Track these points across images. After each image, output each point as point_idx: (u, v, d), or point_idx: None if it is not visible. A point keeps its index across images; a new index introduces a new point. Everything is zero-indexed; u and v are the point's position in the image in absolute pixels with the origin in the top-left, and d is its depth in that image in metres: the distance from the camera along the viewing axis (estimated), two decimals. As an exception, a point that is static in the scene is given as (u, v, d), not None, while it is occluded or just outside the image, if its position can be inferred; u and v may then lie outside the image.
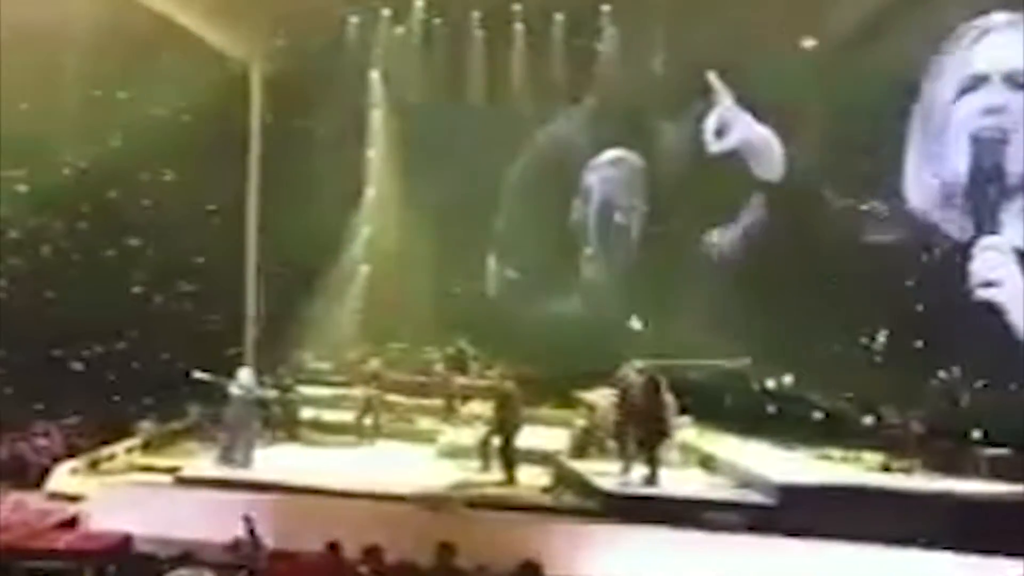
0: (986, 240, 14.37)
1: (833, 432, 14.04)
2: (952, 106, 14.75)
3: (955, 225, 14.72)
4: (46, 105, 15.44)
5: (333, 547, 8.66)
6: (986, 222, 14.40)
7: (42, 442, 13.86)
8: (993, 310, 14.14)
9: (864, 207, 15.60)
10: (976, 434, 13.01)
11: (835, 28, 15.35)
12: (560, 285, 18.57)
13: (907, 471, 12.59)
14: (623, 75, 17.61)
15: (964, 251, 14.55)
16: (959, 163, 14.69)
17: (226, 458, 13.53)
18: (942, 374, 14.17)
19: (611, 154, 18.62)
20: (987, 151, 14.42)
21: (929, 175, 15.01)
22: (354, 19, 18.32)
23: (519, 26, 17.80)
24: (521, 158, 18.73)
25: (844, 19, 15.13)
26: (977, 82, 14.51)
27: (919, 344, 14.80)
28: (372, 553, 8.44)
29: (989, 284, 14.25)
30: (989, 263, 14.30)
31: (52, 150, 15.99)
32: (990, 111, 14.42)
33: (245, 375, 13.89)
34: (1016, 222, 14.31)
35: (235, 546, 8.77)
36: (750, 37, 15.51)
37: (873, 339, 15.37)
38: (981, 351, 13.85)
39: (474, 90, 18.43)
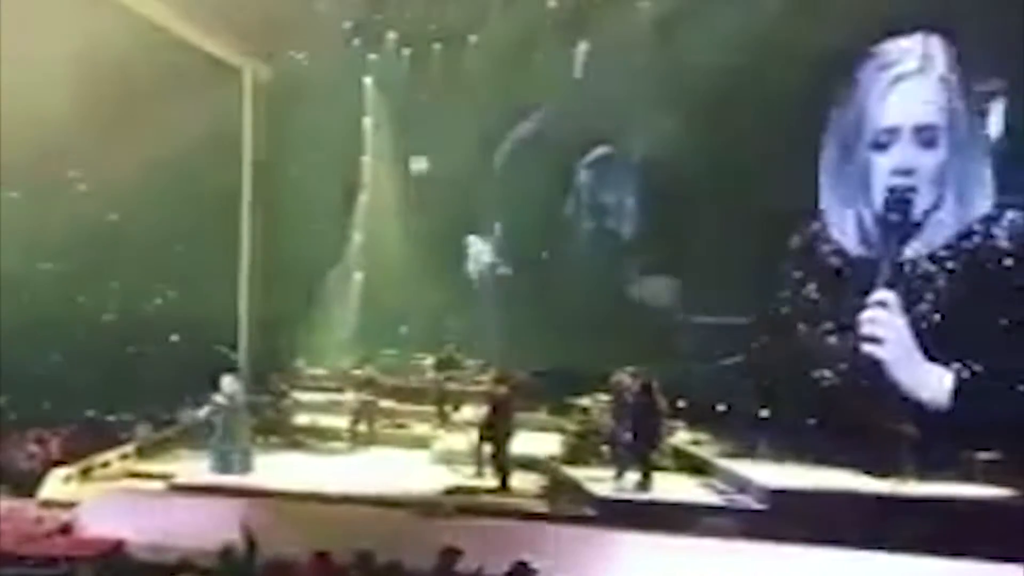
0: (878, 294, 14.42)
1: (825, 437, 14.03)
2: (870, 155, 14.92)
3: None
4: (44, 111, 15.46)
5: (321, 555, 8.67)
6: (883, 275, 14.44)
7: (35, 449, 13.81)
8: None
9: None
10: (970, 439, 12.99)
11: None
12: (560, 286, 18.59)
13: (900, 476, 12.59)
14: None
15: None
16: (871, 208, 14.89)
17: (219, 465, 13.53)
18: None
19: (599, 151, 18.59)
20: (897, 206, 14.53)
21: (844, 208, 15.21)
22: (348, 24, 18.35)
23: (514, 29, 17.84)
24: (514, 159, 18.75)
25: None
26: (889, 136, 14.68)
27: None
28: (364, 559, 8.45)
29: (874, 340, 14.36)
30: (877, 320, 14.38)
31: (47, 157, 15.98)
32: (902, 172, 14.55)
33: (229, 382, 13.88)
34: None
35: (227, 552, 8.75)
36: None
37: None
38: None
39: (469, 96, 18.43)
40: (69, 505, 12.27)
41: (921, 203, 14.38)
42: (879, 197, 14.76)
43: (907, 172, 14.50)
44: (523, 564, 8.00)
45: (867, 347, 14.38)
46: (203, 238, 17.05)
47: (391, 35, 18.54)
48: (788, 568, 10.82)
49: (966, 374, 13.57)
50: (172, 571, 9.41)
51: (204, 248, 17.11)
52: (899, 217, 14.50)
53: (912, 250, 14.41)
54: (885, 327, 14.28)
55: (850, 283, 14.92)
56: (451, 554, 8.57)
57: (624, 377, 13.50)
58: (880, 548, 10.74)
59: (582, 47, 17.83)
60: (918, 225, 14.39)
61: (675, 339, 16.73)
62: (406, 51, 18.71)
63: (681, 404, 14.40)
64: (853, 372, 14.54)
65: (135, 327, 15.80)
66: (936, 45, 14.19)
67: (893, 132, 14.62)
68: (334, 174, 18.80)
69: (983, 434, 12.81)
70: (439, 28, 18.26)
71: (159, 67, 15.96)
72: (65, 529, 11.64)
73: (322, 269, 18.70)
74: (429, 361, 17.75)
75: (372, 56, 18.91)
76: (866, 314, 14.41)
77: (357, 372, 16.81)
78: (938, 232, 14.25)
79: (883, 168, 14.73)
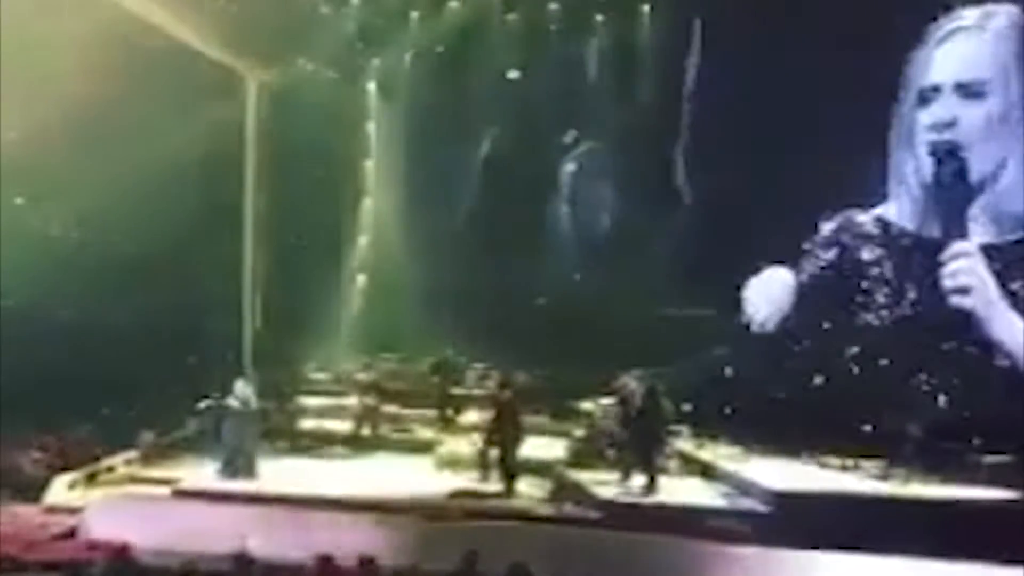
0: (955, 246, 14.24)
1: (832, 440, 14.01)
2: (914, 115, 14.73)
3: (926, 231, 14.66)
4: (44, 115, 15.48)
5: (325, 560, 8.66)
6: (953, 228, 14.25)
7: (40, 454, 13.81)
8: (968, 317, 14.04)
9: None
10: (975, 441, 12.97)
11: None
12: (559, 288, 18.60)
13: (905, 479, 12.57)
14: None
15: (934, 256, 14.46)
16: (924, 172, 14.68)
17: (226, 470, 13.53)
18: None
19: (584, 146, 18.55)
20: (945, 162, 14.34)
21: (896, 183, 14.96)
22: (351, 30, 18.38)
23: (514, 31, 17.87)
24: (517, 164, 18.77)
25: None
26: (932, 93, 14.46)
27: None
28: (367, 564, 8.44)
29: (961, 291, 14.16)
30: (959, 270, 14.21)
31: (48, 160, 15.99)
32: (943, 125, 14.35)
33: (241, 387, 13.90)
34: (979, 225, 14.16)
35: (237, 558, 8.74)
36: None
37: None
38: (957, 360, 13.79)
39: (473, 100, 18.46)
40: (74, 510, 12.27)
41: (975, 162, 13.96)
42: (925, 157, 14.48)
43: (950, 125, 14.20)
44: (520, 566, 7.98)
45: (955, 298, 14.17)
46: (208, 242, 17.04)
47: (395, 40, 18.56)
48: (794, 572, 10.81)
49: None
50: (179, 576, 9.41)
51: (209, 252, 17.11)
52: (950, 172, 14.12)
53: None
54: (969, 275, 14.08)
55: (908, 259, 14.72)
56: (472, 556, 8.57)
57: (628, 380, 13.48)
58: (883, 551, 10.72)
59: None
60: (978, 188, 14.01)
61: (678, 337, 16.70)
62: (409, 56, 18.72)
63: (686, 407, 14.38)
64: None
65: (139, 332, 15.77)
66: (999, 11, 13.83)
67: (936, 88, 14.35)
68: (338, 179, 18.80)
69: (989, 436, 12.79)
70: (442, 33, 18.29)
71: (164, 73, 15.97)
72: (70, 534, 11.64)
73: (326, 273, 18.70)
74: (433, 365, 17.74)
75: (375, 61, 18.93)
76: (949, 267, 14.23)
77: (361, 376, 16.81)
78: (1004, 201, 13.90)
79: (928, 122, 14.46)
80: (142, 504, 12.56)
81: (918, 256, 14.86)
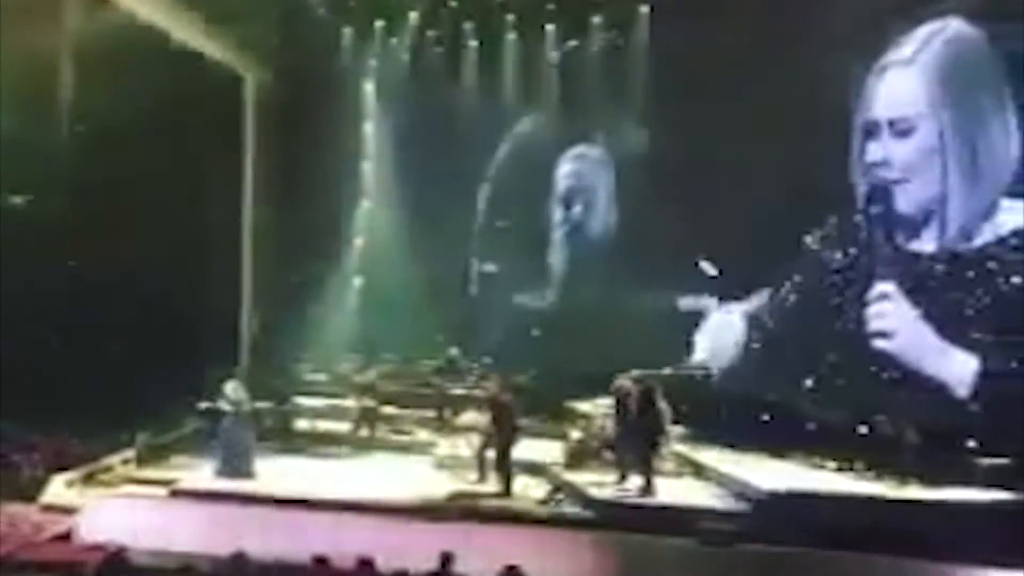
0: (878, 288, 14.42)
1: (827, 442, 14.01)
2: (860, 150, 14.95)
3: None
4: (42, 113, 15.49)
5: (321, 561, 8.66)
6: (878, 267, 14.46)
7: (37, 454, 13.79)
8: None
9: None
10: (972, 443, 12.97)
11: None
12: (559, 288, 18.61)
13: (901, 480, 12.57)
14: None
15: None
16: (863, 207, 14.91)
17: (224, 470, 13.52)
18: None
19: (578, 149, 18.52)
20: (877, 201, 14.57)
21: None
22: (348, 30, 18.39)
23: (512, 36, 17.88)
24: (513, 165, 18.76)
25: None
26: (873, 128, 14.68)
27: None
28: (364, 565, 8.43)
29: (883, 335, 14.33)
30: (883, 313, 14.36)
31: (48, 158, 15.99)
32: (879, 164, 14.57)
33: (231, 388, 13.89)
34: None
35: (235, 559, 8.73)
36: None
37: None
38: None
39: (469, 100, 18.46)
40: (71, 511, 12.27)
41: (911, 196, 14.21)
42: (863, 189, 14.76)
43: (884, 163, 14.44)
44: (513, 568, 7.98)
45: (878, 342, 14.30)
46: (205, 243, 17.04)
47: (392, 40, 18.57)
48: (789, 573, 10.82)
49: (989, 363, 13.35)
50: (175, 576, 9.40)
51: (206, 253, 17.11)
52: (879, 209, 14.39)
53: (917, 244, 14.24)
54: (892, 319, 14.19)
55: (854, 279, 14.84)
56: (446, 560, 8.57)
57: (625, 382, 13.48)
58: (881, 553, 10.74)
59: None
60: (918, 219, 14.21)
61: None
62: (406, 56, 18.73)
63: (682, 408, 14.36)
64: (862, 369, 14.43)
65: (136, 332, 15.75)
66: (942, 31, 13.92)
67: (875, 125, 14.59)
68: (335, 179, 18.80)
69: (988, 438, 12.80)
70: (438, 33, 18.31)
71: (162, 73, 15.97)
72: (67, 534, 11.63)
73: (324, 274, 18.69)
74: (430, 367, 17.73)
75: (373, 62, 18.94)
76: (872, 309, 14.34)
77: (358, 378, 16.79)
78: (944, 227, 13.99)
79: (867, 158, 14.71)
80: (139, 504, 12.55)
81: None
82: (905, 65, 14.31)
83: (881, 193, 14.49)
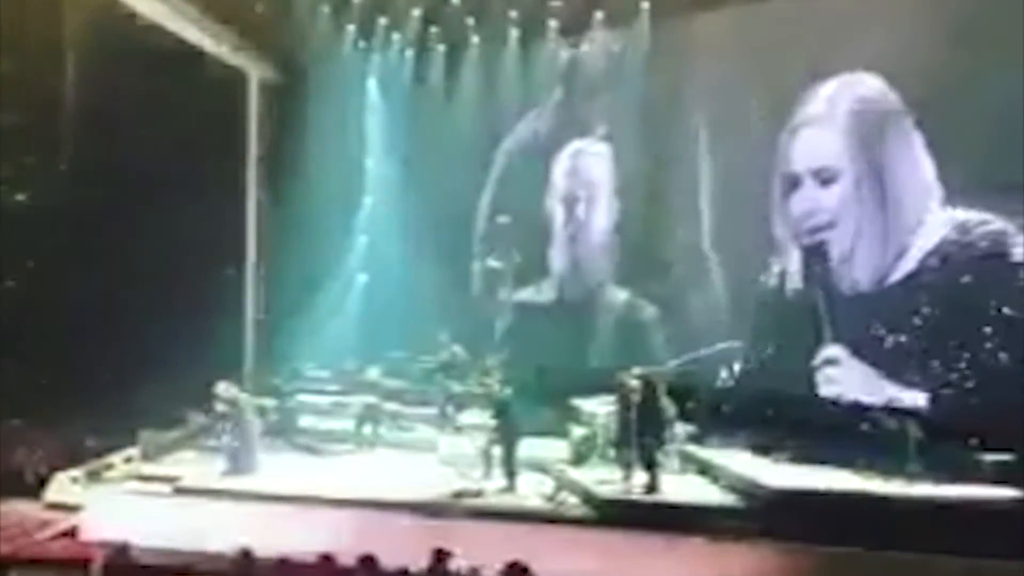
0: (825, 351, 14.58)
1: (832, 438, 13.97)
2: (781, 205, 15.20)
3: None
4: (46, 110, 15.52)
5: (326, 558, 8.65)
6: (824, 329, 14.60)
7: (40, 452, 13.81)
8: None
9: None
10: (976, 440, 12.93)
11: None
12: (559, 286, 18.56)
13: (907, 477, 12.54)
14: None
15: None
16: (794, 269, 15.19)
17: (227, 468, 13.54)
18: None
19: (575, 145, 18.49)
20: (813, 257, 14.83)
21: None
22: (351, 27, 18.36)
23: (514, 32, 17.83)
24: (516, 160, 18.72)
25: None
26: (794, 181, 14.97)
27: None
28: (367, 563, 8.42)
29: (835, 393, 14.55)
30: (830, 376, 14.56)
31: (52, 155, 16.00)
32: (807, 213, 14.81)
33: (223, 388, 13.89)
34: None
35: (238, 556, 8.73)
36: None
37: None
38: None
39: (473, 96, 18.42)
40: (74, 508, 12.28)
41: (841, 239, 14.51)
42: (797, 249, 15.11)
43: (811, 213, 14.79)
44: (517, 564, 7.98)
45: (829, 398, 14.61)
46: (208, 240, 17.04)
47: (395, 37, 18.55)
48: (794, 569, 10.81)
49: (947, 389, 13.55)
50: (178, 574, 9.39)
51: (210, 249, 17.11)
52: (820, 263, 14.72)
53: (852, 285, 14.48)
54: (841, 383, 14.46)
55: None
56: (441, 556, 8.56)
57: (629, 379, 13.46)
58: (886, 550, 10.72)
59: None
60: (850, 261, 14.47)
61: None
62: (409, 52, 18.71)
63: (686, 405, 14.33)
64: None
65: (140, 329, 15.76)
66: (850, 85, 14.40)
67: (797, 176, 14.96)
68: (338, 176, 18.78)
69: (991, 435, 12.76)
70: (442, 30, 18.27)
71: (165, 71, 15.98)
72: (71, 532, 11.64)
73: (326, 271, 18.67)
74: (433, 363, 17.71)
75: (376, 58, 18.92)
76: (821, 372, 14.62)
77: (362, 374, 16.77)
78: (869, 267, 14.29)
79: (794, 212, 15.05)
80: (143, 502, 12.56)
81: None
82: (819, 121, 14.77)
83: (815, 246, 14.82)
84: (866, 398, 14.16)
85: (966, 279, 13.35)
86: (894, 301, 14.03)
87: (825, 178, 14.64)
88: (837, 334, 14.49)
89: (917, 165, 13.78)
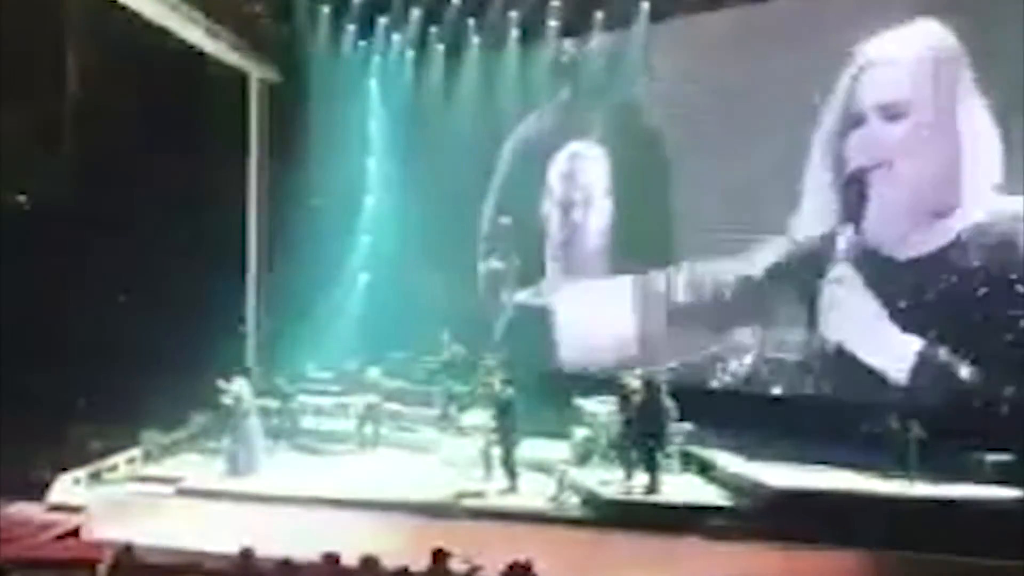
0: (838, 270, 14.66)
1: (832, 438, 13.99)
2: (837, 141, 14.93)
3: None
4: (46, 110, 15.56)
5: (330, 557, 8.67)
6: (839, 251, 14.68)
7: (43, 453, 13.83)
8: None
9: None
10: (978, 440, 12.95)
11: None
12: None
13: (908, 477, 12.56)
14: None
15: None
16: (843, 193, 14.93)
17: (229, 469, 13.56)
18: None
19: (572, 147, 18.46)
20: (854, 182, 14.63)
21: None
22: (351, 27, 18.38)
23: (515, 32, 17.83)
24: (518, 160, 18.71)
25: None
26: (859, 119, 14.69)
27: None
28: (369, 563, 8.45)
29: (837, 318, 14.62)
30: (834, 297, 14.63)
31: (51, 155, 16.04)
32: (865, 148, 14.55)
33: (239, 386, 13.93)
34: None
35: (241, 557, 8.76)
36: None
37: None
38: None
39: (474, 96, 18.42)
40: (77, 509, 12.30)
41: (893, 180, 14.26)
42: (839, 175, 14.79)
43: (868, 147, 14.47)
44: (518, 564, 8.00)
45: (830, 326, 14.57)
46: (210, 241, 17.06)
47: (395, 37, 18.56)
48: (795, 570, 10.82)
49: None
50: (180, 575, 9.42)
51: (212, 250, 17.13)
52: (857, 192, 14.47)
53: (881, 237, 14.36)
54: (843, 309, 14.47)
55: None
56: (440, 556, 8.58)
57: (630, 379, 13.49)
58: (887, 550, 10.74)
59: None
60: (893, 208, 14.29)
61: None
62: (410, 53, 18.72)
63: (687, 405, 14.34)
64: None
65: (141, 330, 15.79)
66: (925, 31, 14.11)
67: (860, 111, 14.61)
68: (339, 176, 18.80)
69: (991, 435, 12.78)
70: (442, 30, 18.28)
71: (165, 72, 16.01)
72: (74, 533, 11.66)
73: (328, 271, 18.69)
74: (435, 364, 17.72)
75: (376, 58, 18.93)
76: (827, 291, 14.61)
77: (363, 375, 16.79)
78: (905, 224, 14.16)
79: (852, 146, 14.71)
80: (146, 503, 12.59)
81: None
82: (891, 61, 14.43)
83: (862, 184, 14.54)
84: (857, 335, 14.21)
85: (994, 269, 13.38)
86: (920, 266, 13.97)
87: (892, 114, 14.27)
88: (854, 260, 14.46)
89: (979, 135, 13.56)
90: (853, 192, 14.68)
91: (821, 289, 14.88)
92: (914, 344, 14.04)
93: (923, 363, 13.96)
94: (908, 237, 14.24)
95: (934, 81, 14.05)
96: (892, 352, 14.24)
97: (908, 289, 14.14)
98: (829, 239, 14.96)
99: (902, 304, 14.18)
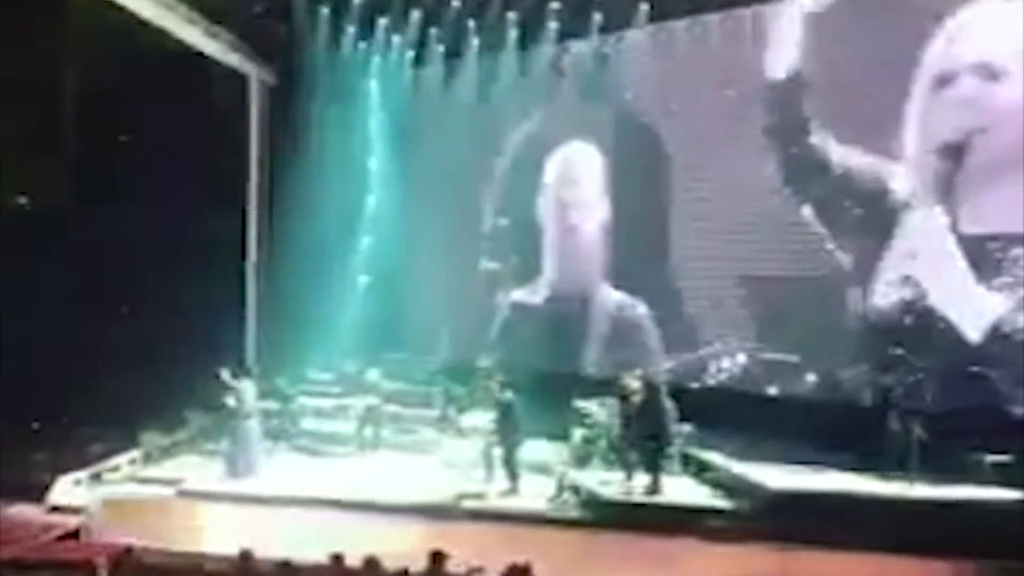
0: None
1: (833, 439, 13.98)
2: (930, 96, 13.82)
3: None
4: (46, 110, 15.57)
5: (336, 559, 8.68)
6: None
7: (44, 454, 13.84)
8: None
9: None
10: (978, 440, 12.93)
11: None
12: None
13: (909, 479, 12.56)
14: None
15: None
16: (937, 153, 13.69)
17: (230, 470, 13.57)
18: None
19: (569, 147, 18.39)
20: (952, 136, 13.35)
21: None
22: (351, 28, 18.39)
23: (514, 33, 17.84)
24: (517, 162, 18.70)
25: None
26: (951, 76, 13.56)
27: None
28: (370, 564, 8.44)
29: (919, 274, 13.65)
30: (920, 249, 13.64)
31: (51, 156, 16.05)
32: (959, 108, 13.44)
33: (243, 387, 13.95)
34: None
35: (241, 559, 8.75)
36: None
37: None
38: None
39: (473, 97, 18.43)
40: (78, 511, 12.30)
41: (987, 149, 13.03)
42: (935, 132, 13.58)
43: (966, 104, 13.31)
44: (518, 566, 8.00)
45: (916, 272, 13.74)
46: (210, 241, 17.07)
47: (396, 38, 18.57)
48: (795, 572, 10.83)
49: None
50: (181, 576, 9.43)
51: (212, 251, 17.13)
52: (955, 141, 13.19)
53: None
54: (930, 262, 13.53)
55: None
56: (439, 557, 8.58)
57: (630, 380, 13.48)
58: (886, 551, 10.74)
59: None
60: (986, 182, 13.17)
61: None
62: (410, 54, 18.73)
63: (687, 406, 14.35)
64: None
65: (142, 331, 15.82)
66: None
67: (954, 70, 13.47)
68: (339, 177, 18.80)
69: (993, 436, 12.76)
70: (442, 32, 18.29)
71: (164, 72, 16.01)
72: (74, 534, 11.66)
73: (329, 273, 18.69)
74: (435, 365, 17.73)
75: (376, 59, 18.94)
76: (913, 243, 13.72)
77: (363, 377, 16.80)
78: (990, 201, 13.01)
79: (946, 103, 13.56)
80: (146, 504, 12.59)
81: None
82: (991, 15, 13.36)
83: (954, 149, 13.34)
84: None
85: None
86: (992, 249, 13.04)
87: (989, 73, 13.10)
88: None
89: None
90: (947, 156, 13.41)
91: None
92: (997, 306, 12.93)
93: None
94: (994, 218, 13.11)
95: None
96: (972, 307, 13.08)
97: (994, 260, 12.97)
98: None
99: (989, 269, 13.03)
